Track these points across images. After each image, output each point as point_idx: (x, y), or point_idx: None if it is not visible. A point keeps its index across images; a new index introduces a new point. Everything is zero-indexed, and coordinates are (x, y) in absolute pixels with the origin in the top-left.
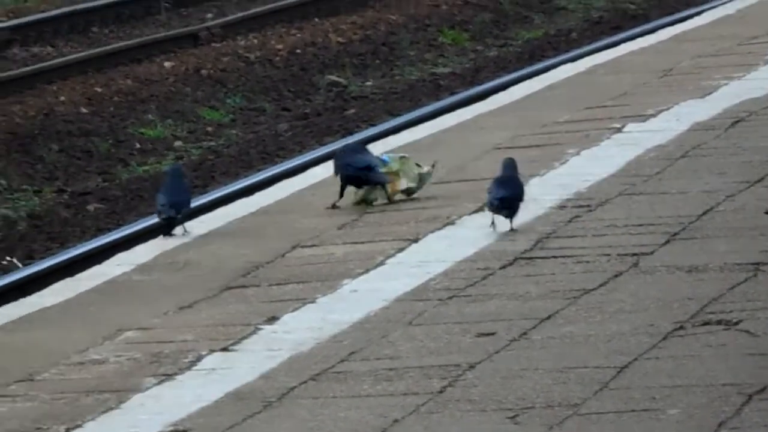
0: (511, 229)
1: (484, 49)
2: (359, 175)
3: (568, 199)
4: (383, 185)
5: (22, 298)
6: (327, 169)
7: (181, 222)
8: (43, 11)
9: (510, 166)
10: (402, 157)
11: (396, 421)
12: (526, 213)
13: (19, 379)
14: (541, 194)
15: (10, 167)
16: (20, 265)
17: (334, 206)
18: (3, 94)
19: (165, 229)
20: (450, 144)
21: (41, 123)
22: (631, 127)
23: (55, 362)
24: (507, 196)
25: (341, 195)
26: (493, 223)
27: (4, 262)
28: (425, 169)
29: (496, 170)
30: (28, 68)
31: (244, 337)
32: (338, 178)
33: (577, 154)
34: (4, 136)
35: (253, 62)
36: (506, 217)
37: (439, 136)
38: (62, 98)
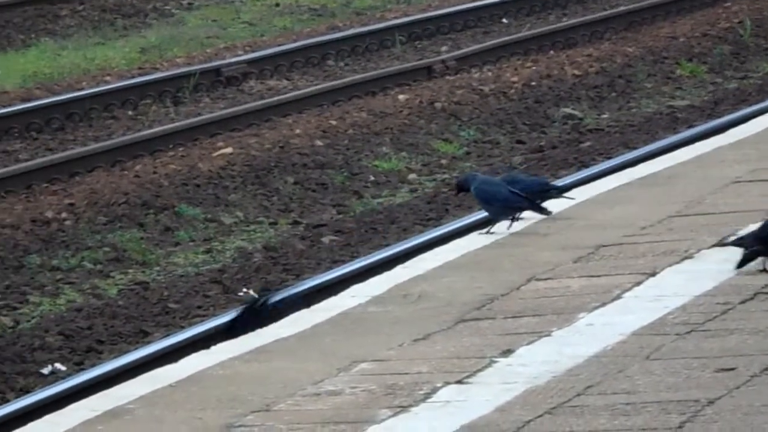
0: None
1: (723, 82)
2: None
3: None
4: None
5: (259, 329)
6: (557, 204)
7: None
8: (279, 45)
9: None
10: None
11: None
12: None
13: (256, 409)
14: None
15: (247, 199)
16: (256, 296)
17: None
18: (239, 126)
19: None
20: (688, 177)
21: (277, 155)
22: None
23: (291, 393)
24: None
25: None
26: None
27: (241, 294)
28: None
29: (736, 204)
30: (264, 101)
31: (479, 370)
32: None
33: None
34: (240, 168)
35: (487, 95)
36: None
37: (676, 169)
38: (297, 131)
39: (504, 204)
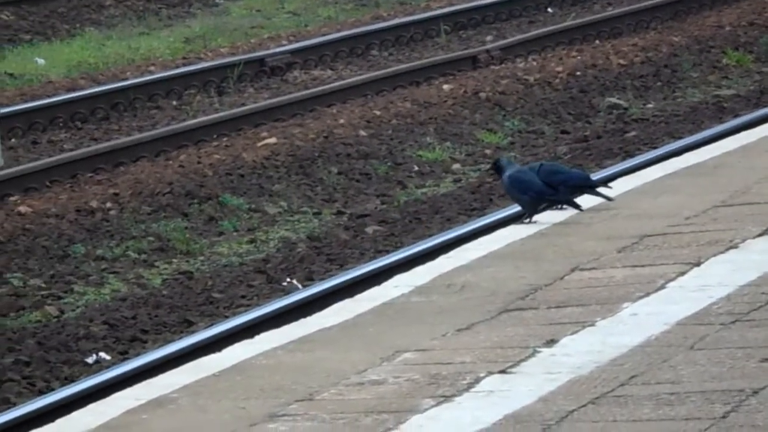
0: None
1: None
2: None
3: None
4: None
5: (302, 319)
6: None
7: None
8: (323, 35)
9: None
10: None
11: None
12: None
13: (300, 398)
14: None
15: (290, 189)
16: (300, 286)
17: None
18: (283, 116)
19: None
20: (733, 167)
21: (321, 145)
22: None
23: (334, 382)
24: None
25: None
26: None
27: (285, 284)
28: None
29: None
30: (308, 91)
31: (523, 360)
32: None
33: None
34: (284, 158)
35: (532, 84)
36: None
37: (722, 158)
38: (341, 121)
39: (536, 196)
